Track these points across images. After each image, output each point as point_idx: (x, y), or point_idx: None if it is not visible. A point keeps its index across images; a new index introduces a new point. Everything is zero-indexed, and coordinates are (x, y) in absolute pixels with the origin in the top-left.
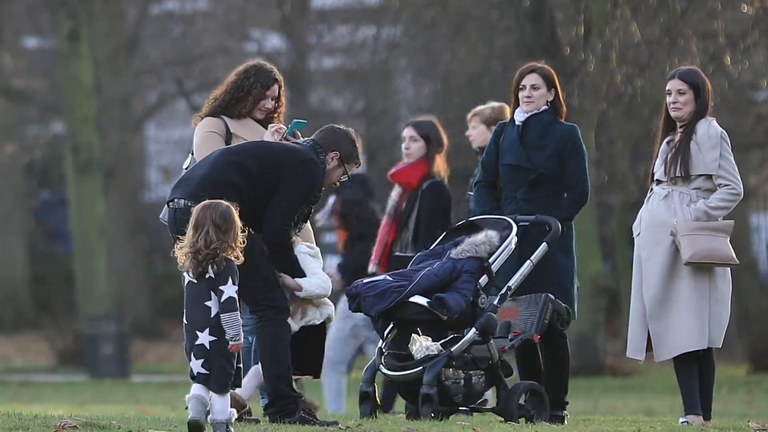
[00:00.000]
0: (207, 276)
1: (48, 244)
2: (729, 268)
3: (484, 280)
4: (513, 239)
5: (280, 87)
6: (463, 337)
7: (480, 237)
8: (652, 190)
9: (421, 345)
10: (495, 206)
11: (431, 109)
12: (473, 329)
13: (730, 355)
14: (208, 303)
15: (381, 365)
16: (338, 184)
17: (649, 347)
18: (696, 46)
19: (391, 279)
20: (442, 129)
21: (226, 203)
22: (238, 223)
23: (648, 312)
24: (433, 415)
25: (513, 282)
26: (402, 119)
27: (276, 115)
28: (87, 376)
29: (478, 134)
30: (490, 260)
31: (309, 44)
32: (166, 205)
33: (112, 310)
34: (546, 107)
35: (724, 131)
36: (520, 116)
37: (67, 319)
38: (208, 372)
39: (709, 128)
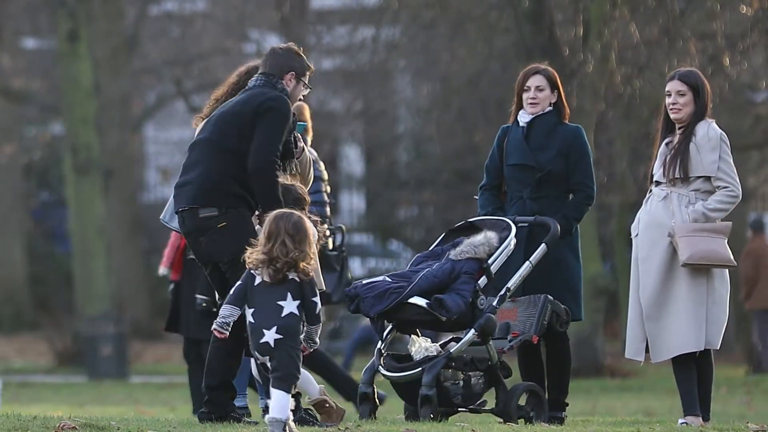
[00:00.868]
0: (289, 279)
1: (47, 244)
2: (727, 269)
3: (483, 281)
4: (512, 240)
5: None
6: (463, 338)
7: (479, 238)
8: (650, 191)
9: (420, 346)
10: (498, 208)
11: (430, 109)
12: (472, 330)
13: (728, 356)
14: (281, 302)
15: (380, 366)
16: (300, 100)
17: (647, 348)
18: (695, 46)
19: (390, 280)
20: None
21: (298, 213)
22: (311, 230)
23: (645, 313)
24: (432, 416)
25: (512, 283)
26: (401, 119)
27: None
28: (86, 376)
29: None
30: (489, 261)
31: (308, 45)
32: (168, 206)
33: (111, 311)
34: (550, 108)
35: (723, 133)
36: (524, 117)
37: (66, 320)
38: (273, 370)
39: (709, 130)
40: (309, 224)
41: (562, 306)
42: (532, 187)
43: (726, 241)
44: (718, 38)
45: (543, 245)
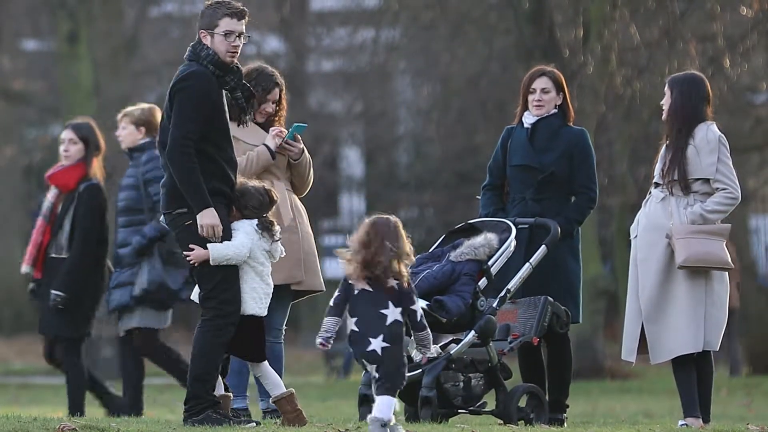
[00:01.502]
0: (389, 286)
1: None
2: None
3: (483, 282)
4: (512, 242)
5: (281, 91)
6: (463, 339)
7: (479, 240)
8: (650, 192)
9: None
10: (500, 209)
11: (430, 110)
12: (472, 332)
13: (729, 358)
14: (384, 311)
15: None
16: (235, 50)
17: (642, 350)
18: (695, 48)
19: None
20: (99, 132)
21: (394, 218)
22: (403, 232)
23: (644, 314)
24: (432, 417)
25: (512, 284)
26: (401, 121)
27: (277, 118)
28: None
29: (128, 135)
30: (489, 263)
31: (308, 46)
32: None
33: (111, 313)
34: (555, 110)
35: (722, 135)
36: (529, 119)
37: None
38: (380, 378)
39: (708, 132)
40: (400, 225)
41: (562, 307)
42: (534, 188)
43: (724, 243)
44: (719, 40)
45: (543, 247)
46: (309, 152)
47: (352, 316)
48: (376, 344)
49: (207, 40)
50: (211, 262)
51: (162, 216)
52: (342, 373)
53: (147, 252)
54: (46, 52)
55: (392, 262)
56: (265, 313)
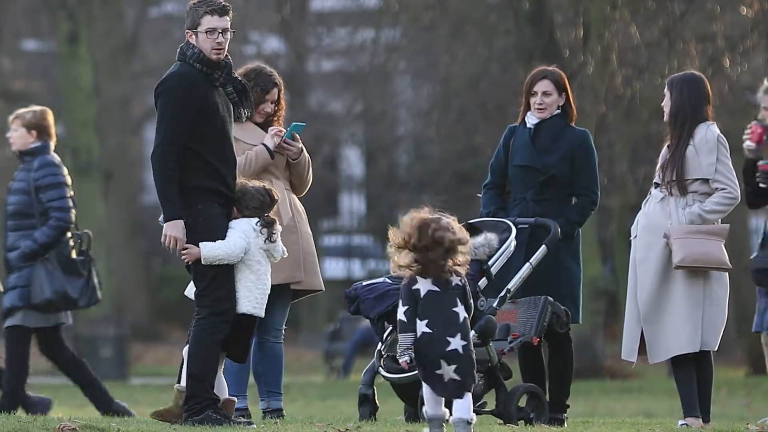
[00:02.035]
0: (453, 284)
1: None
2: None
3: (483, 282)
4: (512, 242)
5: (279, 91)
6: None
7: (479, 239)
8: (650, 193)
9: None
10: (501, 208)
11: (430, 111)
12: (472, 332)
13: (729, 358)
14: (456, 309)
15: (380, 368)
16: (220, 46)
17: (643, 350)
18: (695, 48)
19: (390, 281)
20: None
21: (449, 217)
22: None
23: (642, 314)
24: None
25: (512, 284)
26: (401, 121)
27: (275, 118)
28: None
29: (18, 137)
30: (489, 263)
31: (308, 47)
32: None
33: (111, 313)
34: (558, 111)
35: (721, 135)
36: (532, 119)
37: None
38: (459, 379)
39: (707, 132)
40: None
41: (562, 307)
42: (535, 189)
43: (723, 243)
44: (719, 40)
45: (543, 247)
46: (308, 152)
47: (422, 319)
48: (456, 343)
49: (193, 40)
50: (203, 261)
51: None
52: (342, 373)
53: (36, 257)
54: (47, 52)
55: (449, 258)
56: (262, 314)
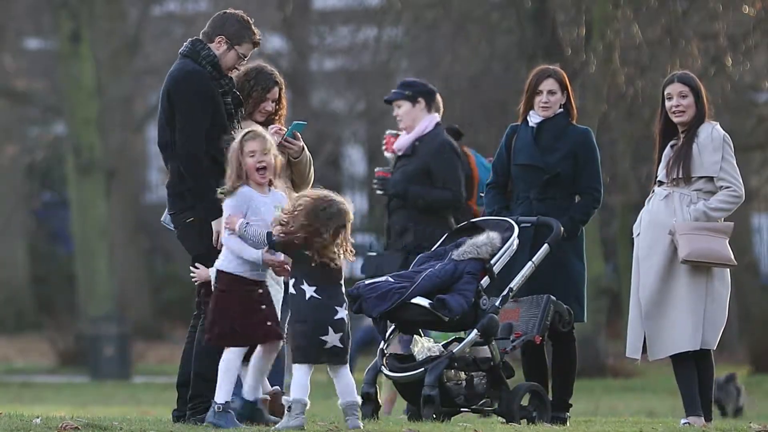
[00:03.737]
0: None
1: (49, 245)
2: (728, 270)
3: (485, 281)
4: (515, 241)
5: (280, 90)
6: (465, 338)
7: (481, 238)
8: (653, 191)
9: (423, 346)
10: (504, 207)
11: None
12: (475, 331)
13: (731, 356)
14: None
15: (383, 366)
16: (239, 68)
17: (645, 347)
18: (697, 47)
19: (392, 280)
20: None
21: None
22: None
23: (643, 311)
24: (434, 416)
25: (514, 283)
26: None
27: (277, 117)
28: (88, 377)
29: None
30: (492, 261)
31: (310, 45)
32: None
33: (114, 311)
34: (560, 110)
35: (726, 134)
36: (534, 118)
37: (68, 320)
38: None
39: (712, 131)
40: None
41: (565, 306)
42: (539, 188)
43: (727, 241)
44: (721, 39)
45: (546, 245)
46: (310, 151)
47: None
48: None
49: (218, 47)
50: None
51: (167, 215)
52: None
53: None
54: (49, 51)
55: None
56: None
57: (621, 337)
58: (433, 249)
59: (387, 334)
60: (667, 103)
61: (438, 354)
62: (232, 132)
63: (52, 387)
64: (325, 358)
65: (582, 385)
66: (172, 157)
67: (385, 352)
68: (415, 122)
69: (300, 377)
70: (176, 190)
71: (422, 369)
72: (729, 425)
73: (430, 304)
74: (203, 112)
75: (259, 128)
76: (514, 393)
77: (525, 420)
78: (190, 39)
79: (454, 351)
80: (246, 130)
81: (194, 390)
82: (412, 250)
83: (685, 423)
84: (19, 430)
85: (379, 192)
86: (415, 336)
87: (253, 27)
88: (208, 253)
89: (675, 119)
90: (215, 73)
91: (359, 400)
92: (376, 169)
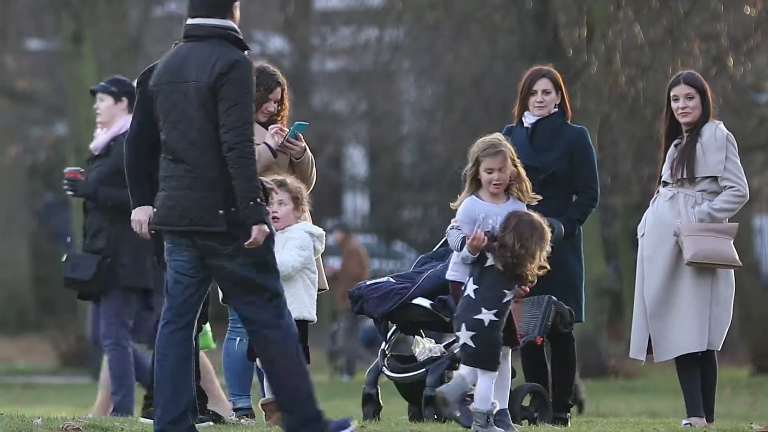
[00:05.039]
0: None
1: (51, 245)
2: (732, 271)
3: None
4: None
5: (282, 90)
6: None
7: None
8: (658, 191)
9: (424, 347)
10: None
11: (434, 110)
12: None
13: (733, 357)
14: (506, 290)
15: (384, 367)
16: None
17: (649, 348)
18: (699, 47)
19: (394, 281)
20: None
21: (534, 216)
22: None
23: (648, 312)
24: (436, 416)
25: None
26: (405, 120)
27: (279, 118)
28: (90, 377)
29: None
30: None
31: (312, 46)
32: None
33: None
34: (555, 110)
35: (730, 134)
36: (529, 118)
37: (70, 321)
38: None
39: (716, 131)
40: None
41: (566, 307)
42: (535, 188)
43: (732, 241)
44: (722, 39)
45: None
46: (312, 151)
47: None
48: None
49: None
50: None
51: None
52: (346, 372)
53: None
54: (51, 51)
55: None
56: (315, 318)
57: (623, 337)
58: (434, 249)
59: (388, 334)
60: (673, 105)
61: (439, 355)
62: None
63: (54, 387)
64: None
65: (583, 385)
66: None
67: (387, 352)
68: (113, 120)
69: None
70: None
71: (424, 370)
72: (731, 426)
73: (431, 304)
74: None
75: None
76: (516, 394)
77: (526, 420)
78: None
79: (455, 352)
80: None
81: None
82: (108, 254)
83: (687, 423)
84: (21, 431)
85: (69, 193)
86: (416, 337)
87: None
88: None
89: (681, 120)
90: None
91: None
92: (66, 170)
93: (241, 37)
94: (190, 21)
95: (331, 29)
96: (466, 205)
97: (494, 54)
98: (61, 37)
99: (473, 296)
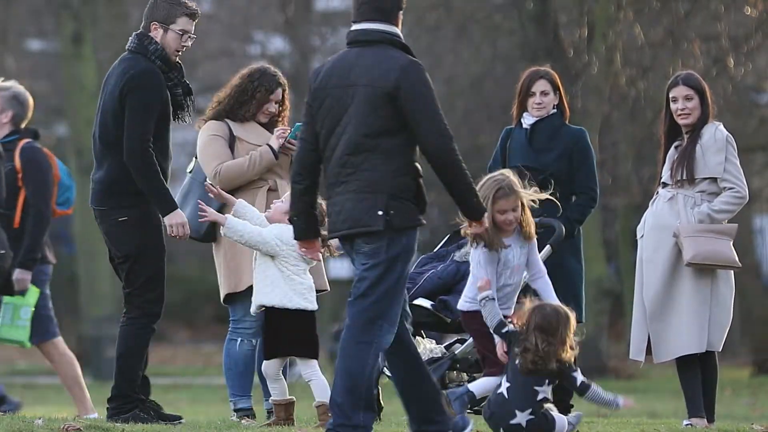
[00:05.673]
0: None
1: (51, 246)
2: (732, 272)
3: None
4: None
5: (284, 91)
6: (467, 339)
7: None
8: (657, 192)
9: (425, 347)
10: None
11: None
12: None
13: (733, 358)
14: (537, 387)
15: (385, 368)
16: (183, 49)
17: (649, 349)
18: (699, 48)
19: None
20: None
21: (553, 304)
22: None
23: (648, 313)
24: None
25: None
26: None
27: (280, 118)
28: (90, 378)
29: None
30: None
31: (312, 46)
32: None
33: (116, 312)
34: (554, 111)
35: (730, 135)
36: (528, 119)
37: (70, 321)
38: None
39: (716, 132)
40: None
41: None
42: (535, 189)
43: (731, 242)
44: (723, 40)
45: (548, 247)
46: None
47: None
48: (521, 418)
49: (157, 34)
50: (222, 231)
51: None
52: None
53: None
54: (51, 52)
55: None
56: (315, 306)
57: (623, 338)
58: (435, 250)
59: None
60: (672, 106)
61: (440, 355)
62: (181, 121)
63: (54, 388)
64: None
65: None
66: (113, 153)
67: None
68: None
69: None
70: (115, 187)
71: None
72: (731, 426)
73: (432, 305)
74: (155, 111)
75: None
76: None
77: None
78: (135, 33)
79: (456, 352)
80: (501, 186)
81: (117, 390)
82: None
83: (688, 424)
84: (21, 431)
85: None
86: (417, 337)
87: (183, 0)
88: (138, 253)
89: (681, 122)
90: (164, 67)
91: None
92: None
93: (406, 43)
94: (356, 26)
95: (331, 30)
96: (483, 256)
97: (495, 55)
98: (61, 38)
99: (506, 395)
